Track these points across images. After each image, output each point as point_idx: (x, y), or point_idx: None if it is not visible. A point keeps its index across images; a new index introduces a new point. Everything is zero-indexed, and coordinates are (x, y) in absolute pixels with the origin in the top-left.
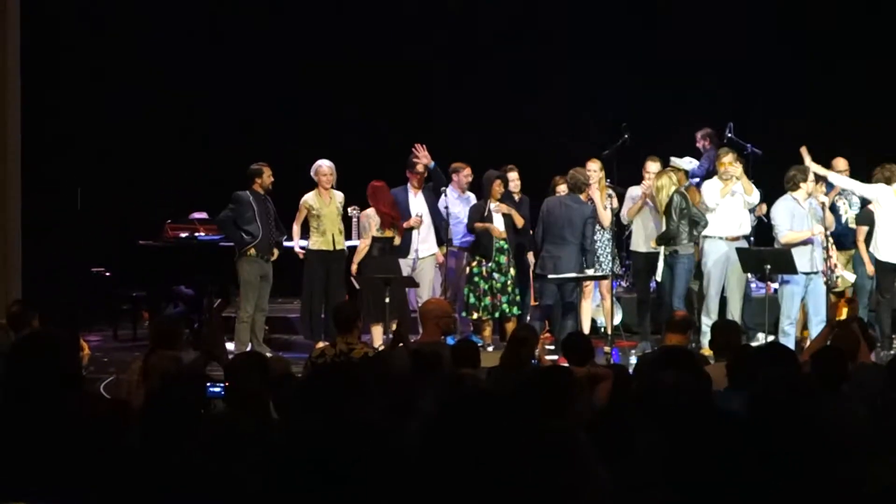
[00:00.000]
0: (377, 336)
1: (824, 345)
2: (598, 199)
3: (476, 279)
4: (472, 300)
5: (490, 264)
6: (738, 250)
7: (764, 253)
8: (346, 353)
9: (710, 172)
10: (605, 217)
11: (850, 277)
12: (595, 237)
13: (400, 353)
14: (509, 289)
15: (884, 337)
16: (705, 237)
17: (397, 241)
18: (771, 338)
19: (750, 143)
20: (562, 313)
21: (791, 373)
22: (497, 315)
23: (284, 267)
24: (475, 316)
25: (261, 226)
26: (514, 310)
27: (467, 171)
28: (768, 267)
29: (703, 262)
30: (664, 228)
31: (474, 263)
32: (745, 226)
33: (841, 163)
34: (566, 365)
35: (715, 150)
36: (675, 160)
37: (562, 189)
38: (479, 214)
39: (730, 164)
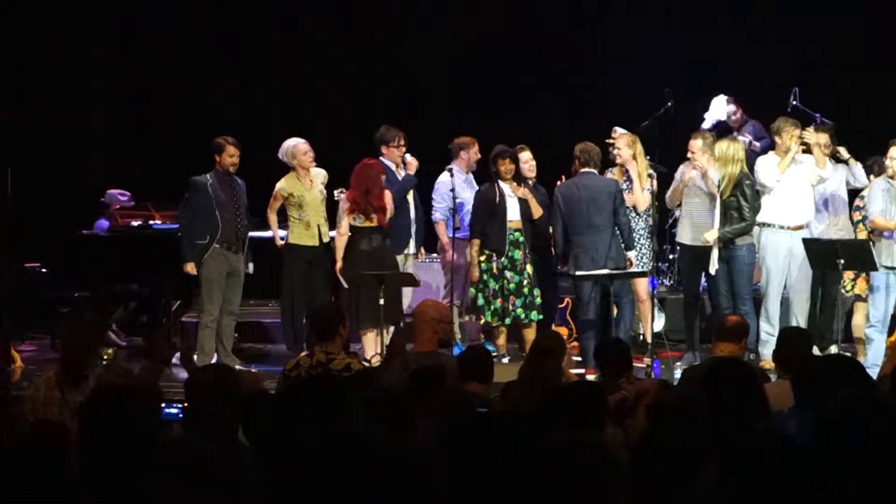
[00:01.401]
0: (369, 345)
1: None
2: (635, 177)
3: (485, 277)
4: (480, 302)
5: (502, 260)
6: (806, 241)
7: (837, 245)
8: (324, 364)
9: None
10: (642, 200)
11: None
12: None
13: (394, 369)
14: (525, 290)
15: None
16: (762, 225)
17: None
18: (833, 349)
19: (819, 113)
20: (611, 315)
21: (864, 392)
22: (508, 321)
23: (257, 262)
24: (483, 320)
25: (221, 214)
26: (532, 315)
27: (476, 147)
28: (842, 262)
29: (759, 257)
30: (719, 216)
31: (483, 259)
32: (809, 210)
33: None
34: (593, 379)
35: (749, 117)
36: (620, 130)
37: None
38: (487, 202)
39: (792, 137)
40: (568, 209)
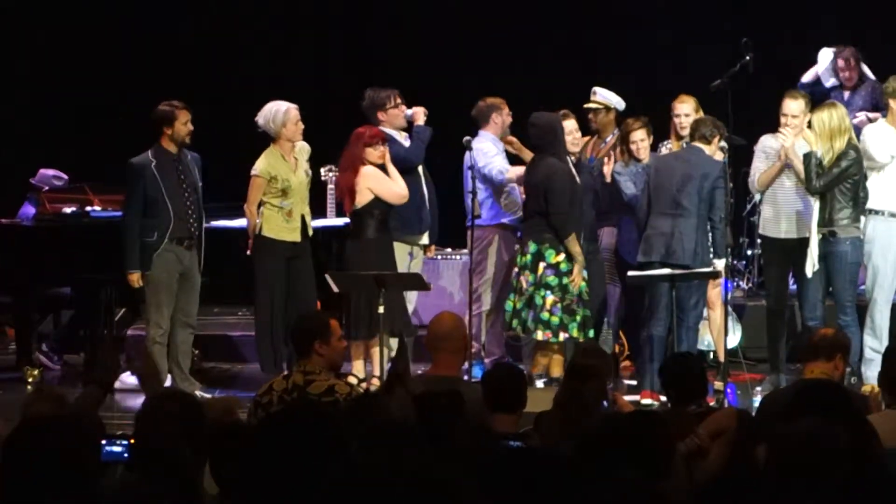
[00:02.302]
0: (359, 363)
1: None
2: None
3: (565, 282)
4: (509, 309)
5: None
6: None
7: None
8: (300, 387)
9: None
10: None
11: None
12: None
13: (398, 398)
14: (587, 297)
15: None
16: (869, 212)
17: None
18: None
19: None
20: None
21: None
22: (592, 333)
23: (221, 260)
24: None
25: (170, 200)
26: (582, 331)
27: (507, 109)
28: None
29: (865, 253)
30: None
31: (560, 258)
32: None
33: None
34: (655, 408)
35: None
36: (601, 92)
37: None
38: (571, 181)
39: None
40: (656, 181)
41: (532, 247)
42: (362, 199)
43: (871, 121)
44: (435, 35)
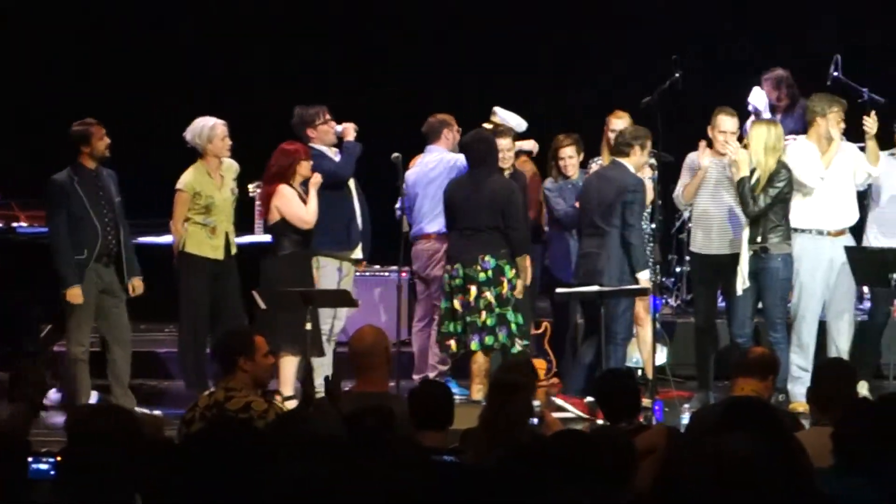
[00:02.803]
0: (287, 380)
1: None
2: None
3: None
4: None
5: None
6: (849, 250)
7: (889, 255)
8: (221, 403)
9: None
10: (648, 188)
11: None
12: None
13: (325, 414)
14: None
15: None
16: (794, 231)
17: None
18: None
19: (867, 88)
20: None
21: None
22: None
23: (148, 276)
24: (452, 349)
25: (93, 216)
26: (509, 342)
27: (456, 125)
28: (895, 277)
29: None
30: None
31: (451, 268)
32: (852, 213)
33: None
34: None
35: (803, 99)
36: (500, 112)
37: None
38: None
39: (837, 121)
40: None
41: (492, 262)
42: (272, 217)
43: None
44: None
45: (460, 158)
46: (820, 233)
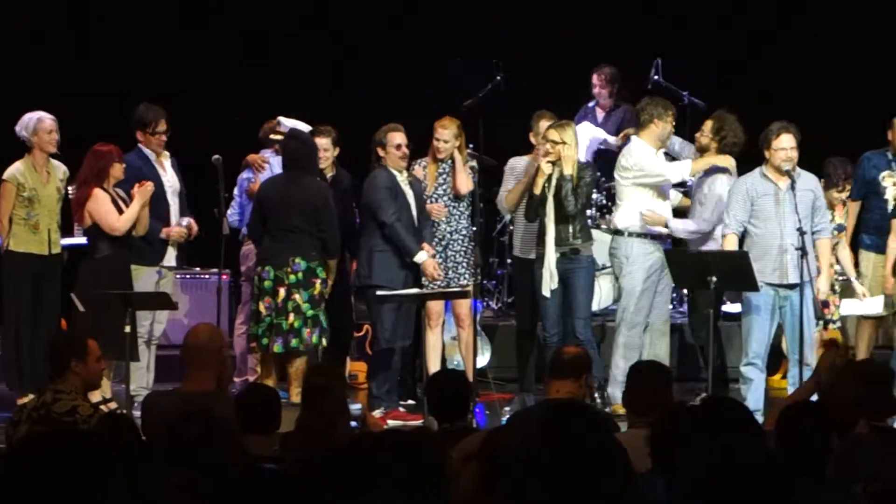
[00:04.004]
0: (104, 384)
1: (804, 404)
2: (458, 157)
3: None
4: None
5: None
6: (668, 253)
7: (708, 257)
8: (48, 405)
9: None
10: (466, 179)
11: (875, 306)
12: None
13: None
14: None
15: None
16: (624, 233)
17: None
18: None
19: (687, 91)
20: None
21: (743, 447)
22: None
23: None
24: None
25: None
26: (310, 338)
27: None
28: (713, 279)
29: (623, 271)
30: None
31: (261, 270)
32: (670, 214)
33: None
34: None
35: (625, 104)
36: (284, 122)
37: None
38: None
39: (671, 123)
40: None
41: (303, 264)
42: (85, 220)
43: (618, 148)
44: None
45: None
46: (642, 235)
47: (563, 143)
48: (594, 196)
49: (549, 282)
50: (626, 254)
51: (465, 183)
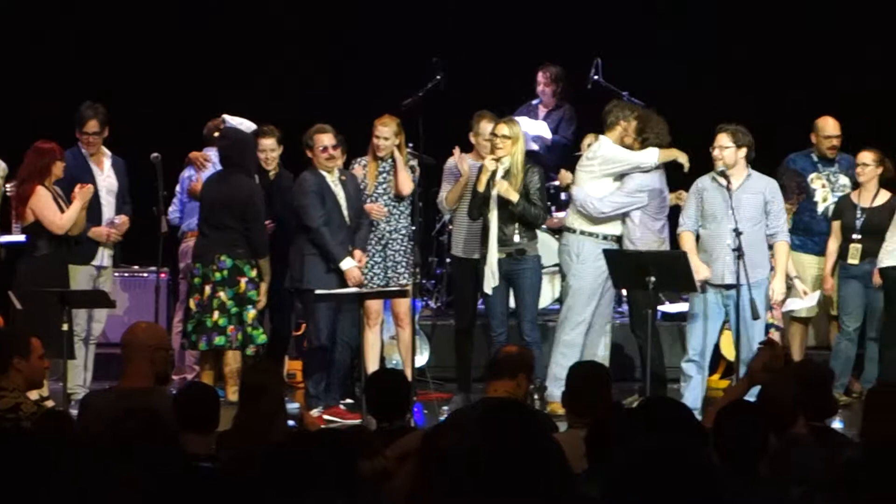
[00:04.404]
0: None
1: (741, 403)
2: (399, 157)
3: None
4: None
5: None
6: (608, 254)
7: (646, 257)
8: None
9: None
10: (407, 180)
11: (810, 301)
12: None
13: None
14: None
15: None
16: (580, 233)
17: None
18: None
19: (627, 91)
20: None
21: (676, 445)
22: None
23: None
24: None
25: None
26: (234, 336)
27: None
28: (652, 280)
29: (572, 270)
30: (495, 221)
31: (193, 266)
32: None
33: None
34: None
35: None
36: (229, 120)
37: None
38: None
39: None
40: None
41: (228, 262)
42: (27, 218)
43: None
44: None
45: None
46: (590, 235)
47: (510, 138)
48: None
49: (491, 279)
50: (577, 252)
51: (406, 184)
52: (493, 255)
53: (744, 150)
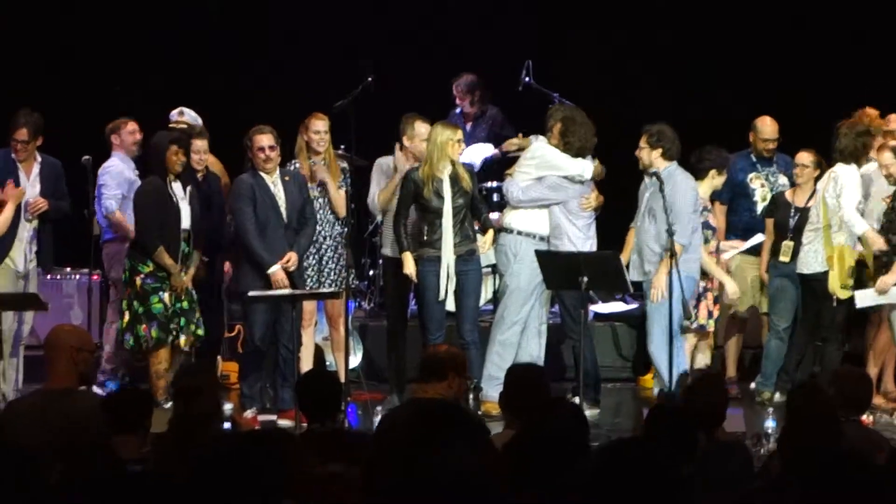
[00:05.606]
0: None
1: (670, 407)
2: (327, 179)
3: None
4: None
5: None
6: (539, 255)
7: (579, 258)
8: None
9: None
10: (341, 203)
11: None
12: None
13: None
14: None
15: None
16: (510, 230)
17: None
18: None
19: (558, 93)
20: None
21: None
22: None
23: None
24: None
25: None
26: (148, 334)
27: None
28: (584, 280)
29: (505, 272)
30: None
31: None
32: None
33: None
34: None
35: (492, 106)
36: (188, 113)
37: None
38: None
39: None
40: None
41: (127, 262)
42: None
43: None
44: None
45: None
46: (529, 235)
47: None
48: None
49: (447, 284)
50: (514, 251)
51: (341, 206)
52: (450, 259)
53: (658, 151)
